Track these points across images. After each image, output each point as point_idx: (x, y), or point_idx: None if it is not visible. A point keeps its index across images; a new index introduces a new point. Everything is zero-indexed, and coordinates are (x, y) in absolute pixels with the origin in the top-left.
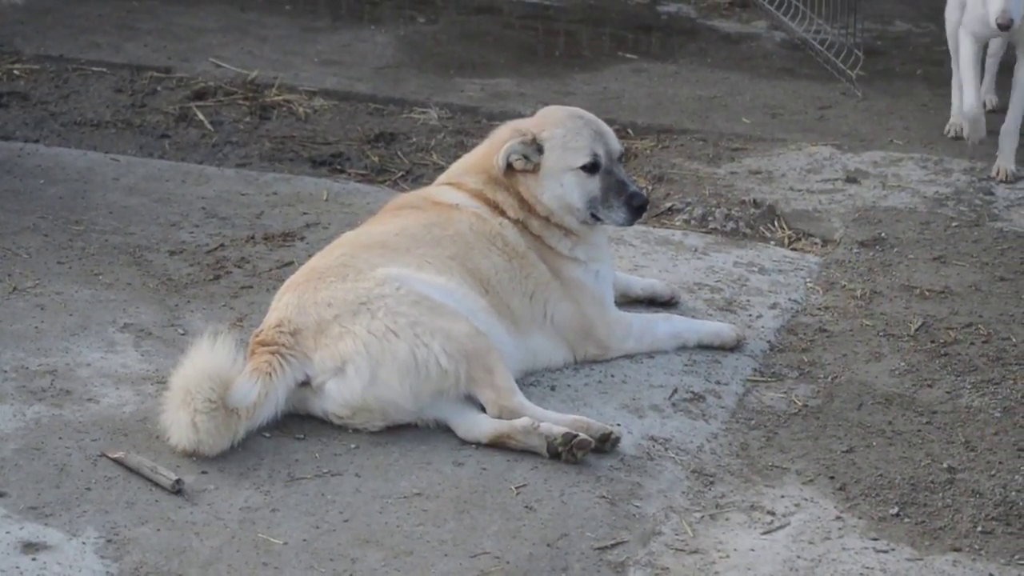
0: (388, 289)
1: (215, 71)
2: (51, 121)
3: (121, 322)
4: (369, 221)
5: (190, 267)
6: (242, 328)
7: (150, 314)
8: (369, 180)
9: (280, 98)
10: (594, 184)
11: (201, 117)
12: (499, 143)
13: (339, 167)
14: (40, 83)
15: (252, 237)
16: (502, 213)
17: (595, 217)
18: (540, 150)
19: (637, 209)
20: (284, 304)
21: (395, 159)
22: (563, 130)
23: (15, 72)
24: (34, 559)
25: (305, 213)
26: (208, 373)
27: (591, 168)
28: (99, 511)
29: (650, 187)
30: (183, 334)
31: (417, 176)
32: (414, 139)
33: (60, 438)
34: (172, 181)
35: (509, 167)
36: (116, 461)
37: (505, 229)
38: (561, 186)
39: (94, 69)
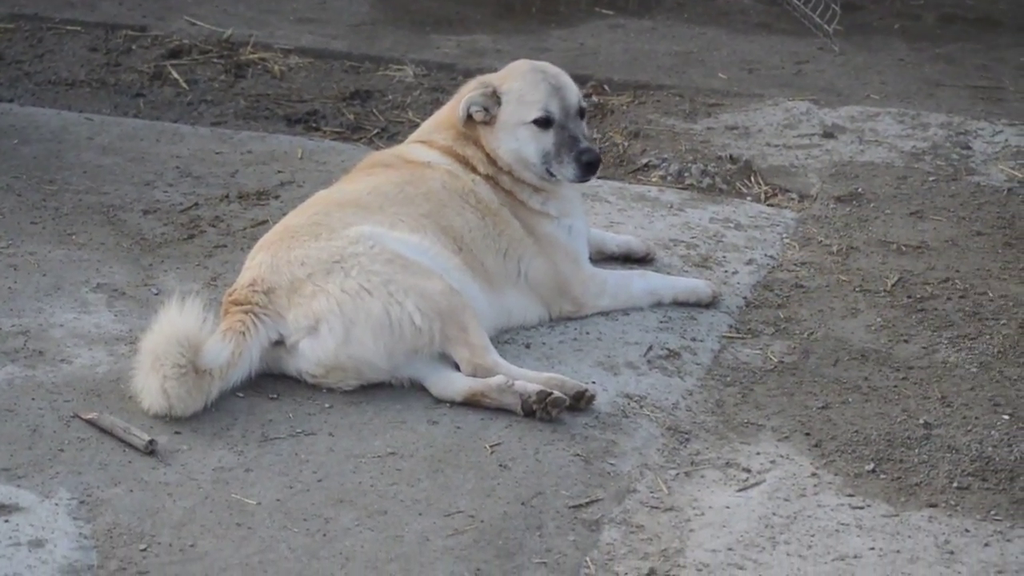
0: (361, 247)
1: (190, 29)
2: (25, 80)
3: (94, 282)
4: (342, 180)
5: (164, 226)
6: (216, 287)
7: (123, 274)
8: (344, 138)
9: (255, 56)
10: (547, 139)
11: (176, 76)
12: (464, 96)
13: (314, 125)
14: (14, 42)
15: (226, 196)
16: (473, 169)
17: (549, 173)
18: (499, 103)
19: (587, 165)
20: (257, 263)
21: (371, 117)
22: (521, 83)
23: None
24: (6, 521)
25: (280, 171)
26: (177, 337)
27: (543, 123)
28: (72, 472)
29: (626, 143)
30: (156, 294)
31: (393, 134)
32: (390, 96)
33: (33, 399)
34: (146, 140)
35: (470, 119)
36: (89, 422)
37: (477, 186)
38: (516, 140)
39: (68, 28)
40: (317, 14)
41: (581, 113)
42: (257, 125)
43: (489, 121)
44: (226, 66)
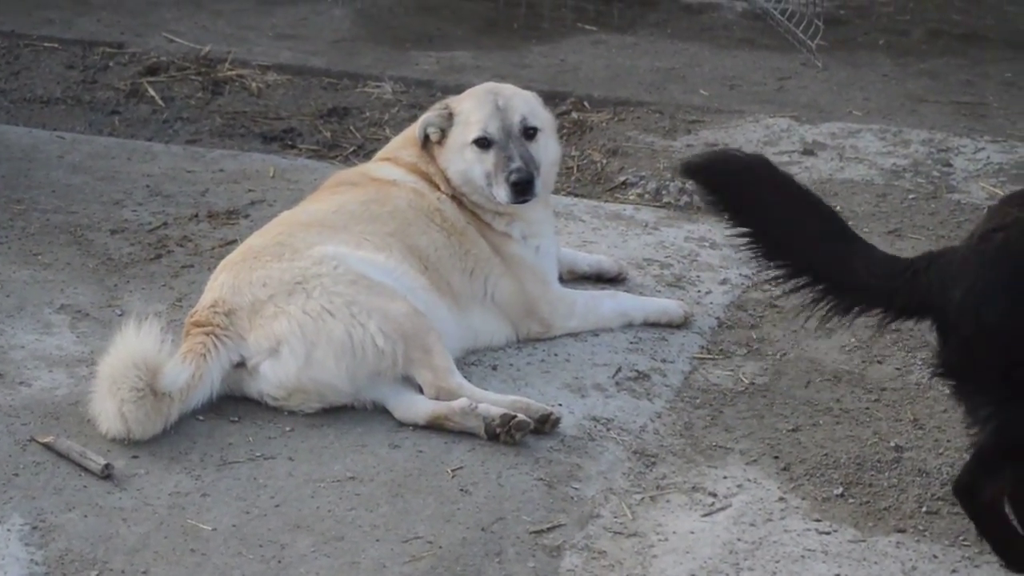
0: (324, 268)
1: (168, 46)
2: (0, 98)
3: (58, 303)
4: (308, 199)
5: (131, 246)
6: (181, 308)
7: (88, 295)
8: (320, 156)
9: (233, 73)
10: (488, 159)
11: (152, 93)
12: None
13: (290, 143)
14: None
15: (196, 215)
16: (437, 187)
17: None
18: (453, 124)
19: (514, 185)
20: (219, 284)
21: (348, 134)
22: (469, 103)
23: None
24: None
25: (251, 190)
26: (134, 360)
27: (483, 143)
28: (26, 497)
29: (604, 161)
30: (120, 315)
31: (369, 151)
32: (368, 114)
33: None
34: (118, 159)
35: (427, 139)
36: (45, 446)
37: (443, 204)
38: (464, 160)
39: (46, 45)
40: (297, 30)
41: (527, 133)
42: (232, 143)
43: (442, 142)
44: (203, 83)
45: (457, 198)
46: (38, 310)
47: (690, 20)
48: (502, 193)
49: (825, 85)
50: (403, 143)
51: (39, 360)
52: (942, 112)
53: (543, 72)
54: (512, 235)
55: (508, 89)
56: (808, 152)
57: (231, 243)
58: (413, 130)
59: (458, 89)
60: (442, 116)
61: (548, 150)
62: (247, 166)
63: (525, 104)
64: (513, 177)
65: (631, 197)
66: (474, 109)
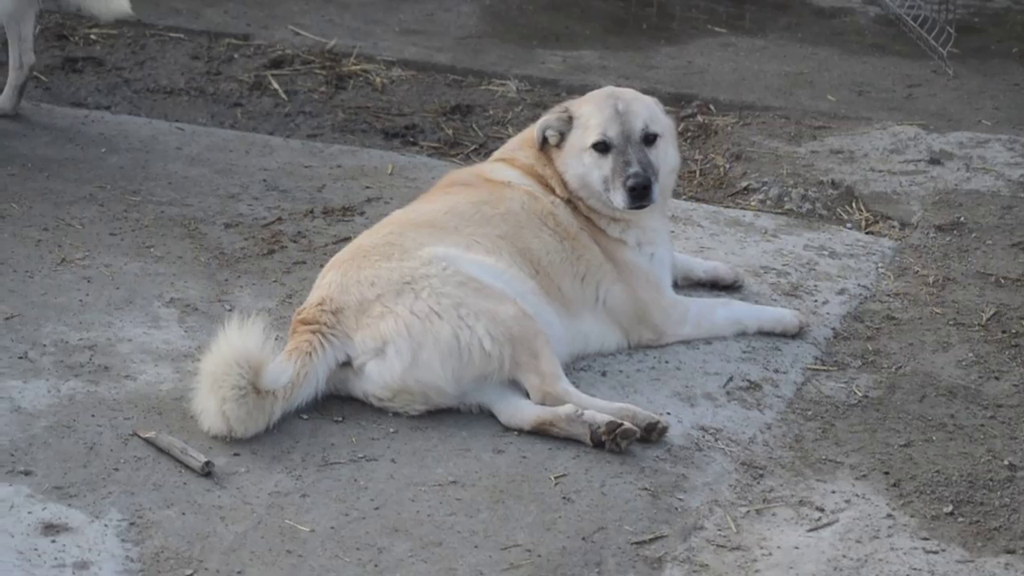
0: (434, 269)
1: (293, 39)
2: (124, 88)
3: (168, 296)
4: (420, 198)
5: (244, 241)
6: (291, 305)
7: (198, 289)
8: (441, 153)
9: (357, 67)
10: (607, 164)
11: (276, 86)
12: None
13: (412, 139)
14: (116, 48)
15: (311, 211)
16: (552, 191)
17: (611, 199)
18: (573, 127)
19: (631, 190)
20: (327, 282)
21: (470, 132)
22: (590, 107)
23: (92, 37)
24: (53, 541)
25: (368, 187)
26: (236, 358)
27: (601, 147)
28: (125, 492)
29: (728, 165)
30: (229, 310)
31: (491, 150)
32: (491, 112)
33: (93, 416)
34: (236, 152)
35: (545, 142)
36: (147, 441)
37: (557, 208)
38: (581, 164)
39: (172, 35)
40: (423, 26)
41: (647, 139)
42: (354, 138)
43: (561, 145)
44: (327, 77)
45: (572, 202)
46: (147, 303)
47: (821, 24)
48: (619, 198)
49: (955, 93)
50: (520, 144)
51: (145, 354)
52: None
53: (669, 74)
54: (627, 241)
55: (629, 94)
56: (934, 161)
57: (345, 240)
58: (531, 132)
59: (583, 89)
60: (561, 119)
61: (667, 157)
62: (365, 162)
63: (646, 109)
64: (631, 182)
65: (753, 203)
66: (594, 113)
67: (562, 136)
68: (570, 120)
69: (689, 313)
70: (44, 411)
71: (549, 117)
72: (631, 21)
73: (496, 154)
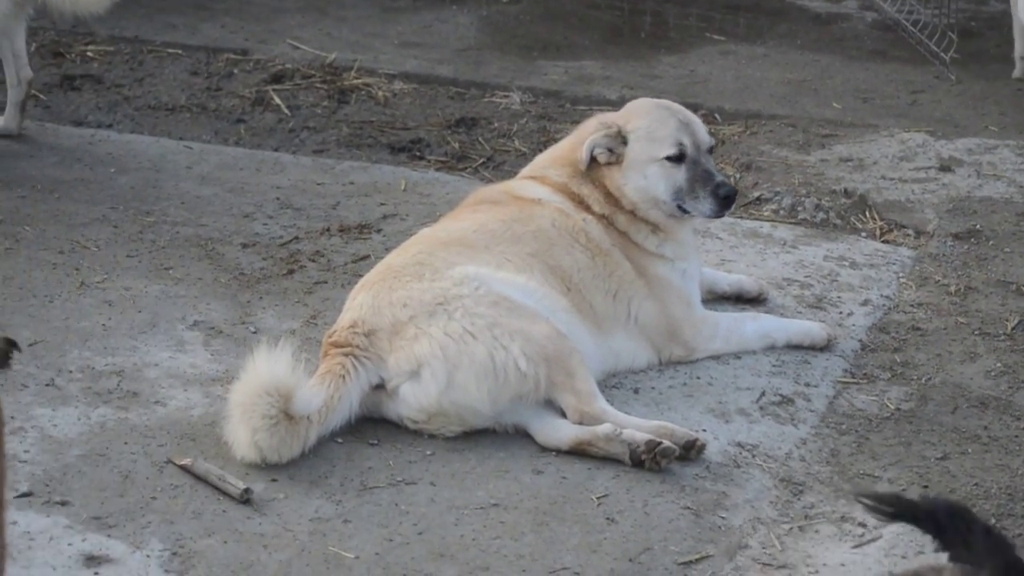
0: (466, 289)
1: (293, 53)
2: (124, 105)
3: (191, 319)
4: (447, 216)
5: (263, 260)
6: (315, 326)
7: (221, 311)
8: (449, 167)
9: (359, 81)
10: (680, 175)
11: (278, 101)
12: (585, 136)
13: (418, 154)
14: (114, 65)
15: (327, 229)
16: (587, 208)
17: (681, 209)
18: (625, 142)
19: (724, 199)
20: (358, 304)
21: (476, 145)
22: (648, 120)
23: (89, 54)
24: (96, 573)
25: (382, 204)
26: (265, 387)
27: (677, 158)
28: (164, 521)
29: (737, 175)
30: (254, 332)
31: (498, 163)
32: (496, 124)
33: (126, 443)
34: (246, 170)
35: (593, 160)
36: (183, 468)
37: (589, 225)
38: (645, 178)
39: (169, 51)
40: (422, 38)
41: (711, 149)
42: (360, 153)
43: (615, 161)
44: (329, 91)
45: (606, 218)
46: (171, 326)
47: (819, 31)
48: (706, 206)
49: (959, 99)
50: (551, 162)
51: (173, 379)
52: None
53: (673, 83)
54: (666, 255)
55: (676, 105)
56: (945, 168)
57: (364, 258)
58: (565, 149)
59: (587, 100)
60: (610, 136)
61: None
62: (378, 179)
63: (701, 121)
64: (723, 191)
65: (766, 213)
66: (658, 125)
67: (612, 152)
68: (619, 134)
69: (719, 328)
70: (76, 439)
71: (596, 136)
72: (628, 30)
73: (524, 171)
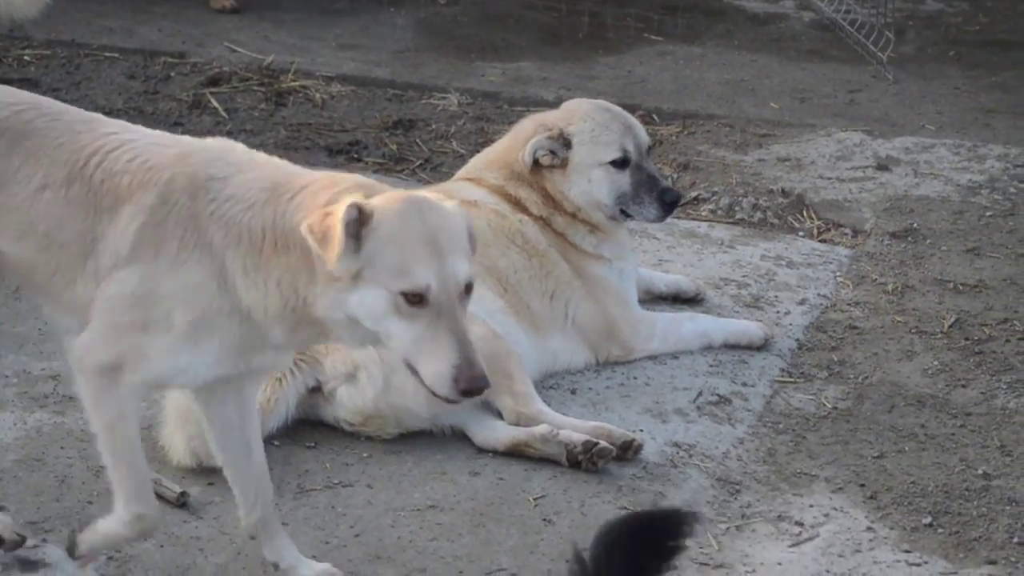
0: None
1: (230, 56)
2: None
3: None
4: None
5: None
6: None
7: None
8: (387, 169)
9: (296, 84)
10: (624, 180)
11: (215, 104)
12: (523, 138)
13: (356, 156)
14: (51, 69)
15: None
16: (523, 210)
17: (624, 213)
18: (568, 145)
19: (669, 205)
20: None
21: (414, 147)
22: (591, 124)
23: (25, 58)
24: None
25: None
26: None
27: (621, 163)
28: None
29: (675, 175)
30: None
31: (436, 164)
32: (433, 126)
33: (62, 448)
34: None
35: (535, 163)
36: None
37: (525, 226)
38: (589, 182)
39: (106, 54)
40: (360, 40)
41: (650, 150)
42: (298, 156)
43: (558, 164)
44: (267, 94)
45: (543, 219)
46: None
47: (757, 30)
48: (651, 211)
49: (896, 98)
50: (488, 163)
51: None
52: (1016, 126)
53: (610, 84)
54: (603, 255)
55: (615, 107)
56: (882, 167)
57: None
58: (501, 151)
59: (524, 101)
60: (553, 138)
61: None
62: None
63: (639, 122)
64: (669, 197)
65: (704, 213)
66: (601, 129)
67: (555, 155)
68: (561, 137)
69: (656, 328)
70: (12, 444)
71: (539, 138)
72: (566, 31)
73: (460, 173)
